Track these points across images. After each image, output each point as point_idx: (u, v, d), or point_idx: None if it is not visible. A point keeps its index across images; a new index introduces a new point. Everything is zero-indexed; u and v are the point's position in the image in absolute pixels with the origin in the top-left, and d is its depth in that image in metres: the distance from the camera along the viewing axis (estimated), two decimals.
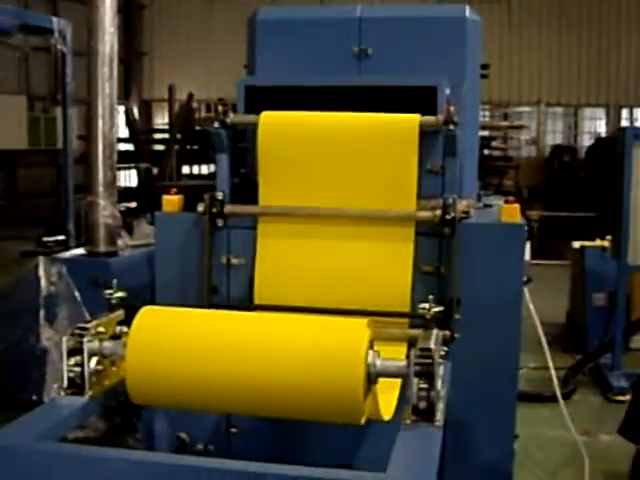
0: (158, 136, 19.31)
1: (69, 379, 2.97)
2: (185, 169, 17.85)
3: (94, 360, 2.99)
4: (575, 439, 4.60)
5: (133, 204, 15.88)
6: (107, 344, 3.04)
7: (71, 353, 2.96)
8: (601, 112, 22.80)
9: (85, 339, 2.95)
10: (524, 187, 18.08)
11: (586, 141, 22.04)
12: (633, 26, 20.85)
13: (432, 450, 2.52)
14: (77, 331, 2.95)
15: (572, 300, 8.75)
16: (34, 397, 5.68)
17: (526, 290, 4.52)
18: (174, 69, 23.82)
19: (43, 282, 5.68)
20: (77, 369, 2.95)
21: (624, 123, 22.23)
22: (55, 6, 21.58)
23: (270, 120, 4.09)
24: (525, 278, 4.20)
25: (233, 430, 4.24)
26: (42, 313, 5.70)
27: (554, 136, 23.17)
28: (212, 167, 16.62)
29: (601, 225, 8.35)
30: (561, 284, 9.12)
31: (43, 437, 2.68)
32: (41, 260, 5.80)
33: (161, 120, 23.39)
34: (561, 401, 4.70)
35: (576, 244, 8.40)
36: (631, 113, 22.64)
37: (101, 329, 3.04)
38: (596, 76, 21.96)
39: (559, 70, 21.92)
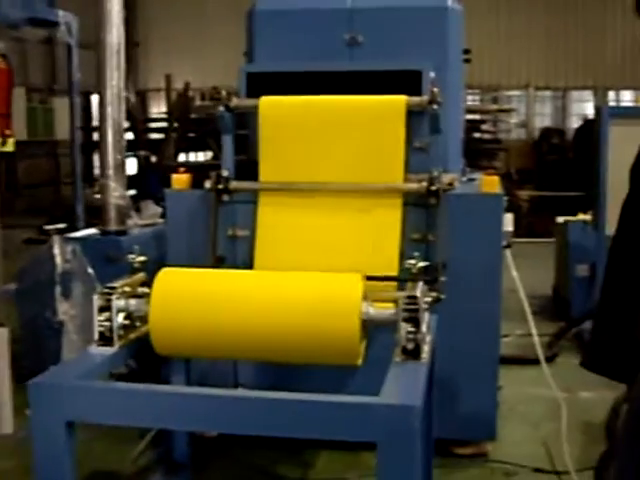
0: (154, 125, 19.56)
1: (100, 333, 3.35)
2: (181, 157, 18.13)
3: (121, 315, 3.38)
4: (556, 395, 5.00)
5: (132, 191, 16.17)
6: (132, 302, 3.43)
7: (101, 310, 3.34)
8: (588, 95, 23.07)
9: (113, 297, 3.33)
10: (514, 169, 18.40)
11: (574, 123, 22.25)
12: (618, 9, 21.10)
13: (419, 380, 2.92)
14: (106, 290, 3.34)
15: (557, 273, 9.10)
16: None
17: (509, 255, 4.91)
18: (168, 59, 23.99)
19: (58, 260, 5.97)
20: (107, 324, 3.34)
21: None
22: None
23: (269, 104, 4.48)
24: (505, 243, 4.60)
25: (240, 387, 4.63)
26: (58, 289, 5.97)
27: (543, 119, 23.44)
28: (208, 154, 16.89)
29: (586, 202, 8.69)
30: (548, 260, 9.45)
31: (80, 379, 3.07)
32: (56, 239, 6.09)
33: (156, 109, 23.61)
34: (543, 362, 5.08)
35: (560, 219, 8.78)
36: (617, 95, 22.97)
37: (127, 289, 3.43)
38: (583, 59, 22.23)
39: (547, 54, 22.18)
